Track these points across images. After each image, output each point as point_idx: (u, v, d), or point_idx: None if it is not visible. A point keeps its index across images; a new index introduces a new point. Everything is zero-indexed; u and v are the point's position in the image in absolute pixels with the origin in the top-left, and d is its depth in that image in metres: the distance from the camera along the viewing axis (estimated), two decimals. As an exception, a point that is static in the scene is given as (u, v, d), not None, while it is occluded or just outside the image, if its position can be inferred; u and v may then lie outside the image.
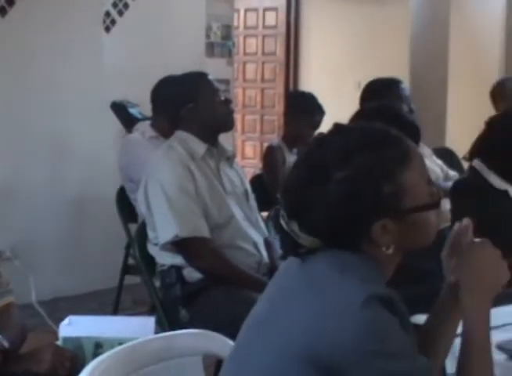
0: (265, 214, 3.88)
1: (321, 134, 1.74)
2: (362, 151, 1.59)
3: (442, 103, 7.41)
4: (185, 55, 6.19)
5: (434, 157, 4.97)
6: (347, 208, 1.57)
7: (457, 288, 1.69)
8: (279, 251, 3.39)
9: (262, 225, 3.60)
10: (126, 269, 4.76)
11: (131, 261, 4.64)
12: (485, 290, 1.67)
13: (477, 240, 1.71)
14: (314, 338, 1.51)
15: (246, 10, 10.14)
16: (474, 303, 1.66)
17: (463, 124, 7.67)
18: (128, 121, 5.50)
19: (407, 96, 4.17)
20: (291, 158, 5.12)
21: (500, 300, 2.46)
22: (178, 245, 3.26)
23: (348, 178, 1.57)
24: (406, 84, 4.51)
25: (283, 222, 1.63)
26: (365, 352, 1.48)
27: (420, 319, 1.87)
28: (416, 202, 1.61)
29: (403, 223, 1.60)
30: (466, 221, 1.74)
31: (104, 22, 6.00)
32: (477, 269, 1.67)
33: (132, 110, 5.63)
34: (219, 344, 2.06)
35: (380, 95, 3.93)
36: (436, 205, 1.65)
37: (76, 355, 2.41)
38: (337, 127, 1.69)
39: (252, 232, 3.45)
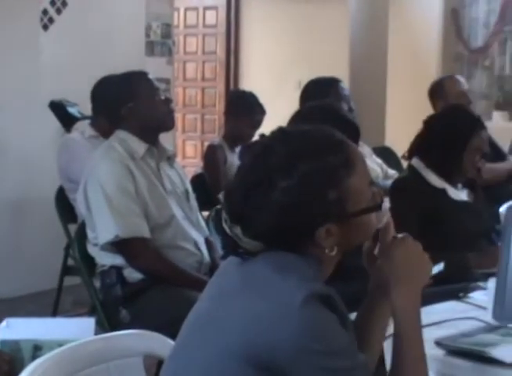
0: (205, 213, 3.87)
1: (264, 137, 1.72)
2: (307, 159, 1.59)
3: (381, 102, 7.47)
4: (124, 54, 6.15)
5: (374, 156, 5.02)
6: (291, 216, 1.58)
7: (384, 285, 1.71)
8: (220, 251, 3.39)
9: (203, 224, 3.60)
10: (66, 270, 4.72)
11: (70, 262, 4.59)
12: (412, 283, 1.69)
13: (398, 236, 1.73)
14: (253, 338, 1.52)
15: (186, 9, 10.11)
16: (403, 298, 1.68)
17: (402, 123, 7.75)
18: (67, 120, 5.45)
19: (347, 95, 4.20)
20: (232, 157, 5.12)
21: (438, 297, 2.50)
22: (118, 245, 3.24)
23: (293, 187, 1.57)
24: (346, 84, 4.53)
25: (225, 226, 1.62)
26: (306, 351, 1.49)
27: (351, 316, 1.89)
28: (359, 206, 1.63)
29: (346, 226, 1.61)
30: (386, 219, 1.75)
31: (42, 20, 5.92)
32: (401, 264, 1.69)
33: (71, 109, 5.57)
34: (160, 344, 2.05)
35: (320, 95, 3.95)
36: (379, 207, 1.67)
37: (14, 358, 2.38)
38: (281, 132, 1.68)
39: (193, 231, 3.44)
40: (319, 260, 1.62)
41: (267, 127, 1.85)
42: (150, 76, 3.51)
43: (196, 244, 3.42)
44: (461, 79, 5.34)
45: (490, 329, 2.11)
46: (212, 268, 3.34)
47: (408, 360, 1.65)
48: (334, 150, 1.62)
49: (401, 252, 1.71)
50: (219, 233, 1.68)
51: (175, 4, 7.56)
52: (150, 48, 6.86)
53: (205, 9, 10.06)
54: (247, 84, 9.33)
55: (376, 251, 1.76)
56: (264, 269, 1.59)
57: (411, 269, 1.70)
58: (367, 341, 1.80)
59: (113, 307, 3.24)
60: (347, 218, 1.61)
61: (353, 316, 1.93)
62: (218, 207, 3.78)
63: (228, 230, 1.62)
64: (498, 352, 1.89)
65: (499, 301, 2.17)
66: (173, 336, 1.82)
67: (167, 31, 6.97)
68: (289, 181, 1.57)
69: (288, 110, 3.04)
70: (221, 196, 1.67)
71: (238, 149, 5.18)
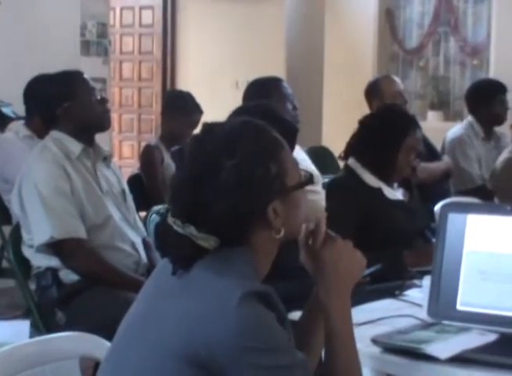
0: (143, 214, 3.85)
1: (190, 138, 1.73)
2: (246, 136, 1.64)
3: (318, 102, 7.52)
4: (59, 53, 6.08)
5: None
6: (242, 194, 1.59)
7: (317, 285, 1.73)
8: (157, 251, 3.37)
9: (140, 225, 3.58)
10: (0, 273, 4.64)
11: (5, 264, 4.52)
12: (343, 283, 1.71)
13: (329, 236, 1.74)
14: (191, 338, 1.51)
15: (122, 8, 10.04)
16: (334, 298, 1.70)
17: (338, 123, 7.81)
18: (1, 120, 5.36)
19: (290, 94, 4.21)
20: (169, 157, 5.10)
21: (374, 295, 2.53)
22: (54, 247, 3.21)
23: (240, 163, 1.60)
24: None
25: (178, 229, 1.60)
26: (244, 349, 1.49)
27: (297, 315, 1.90)
28: (295, 180, 1.68)
29: (287, 203, 1.65)
30: (316, 220, 1.76)
31: (-26, 19, 5.83)
32: (332, 264, 1.71)
33: (5, 109, 5.49)
34: (96, 346, 2.03)
35: (262, 95, 3.94)
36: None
37: None
38: (210, 125, 1.71)
39: (130, 232, 3.42)
40: (259, 253, 1.64)
41: (204, 127, 1.84)
42: (86, 76, 3.48)
43: (133, 245, 3.40)
44: (396, 79, 5.39)
45: (425, 326, 2.14)
46: (149, 269, 3.33)
47: (340, 359, 1.67)
48: (266, 129, 1.69)
49: (329, 252, 1.72)
50: (164, 242, 1.64)
51: (111, 3, 7.50)
52: (86, 47, 6.79)
53: (141, 8, 10.00)
54: (184, 84, 9.30)
55: (303, 255, 1.76)
56: (202, 270, 1.59)
57: (340, 268, 1.71)
58: (309, 342, 1.81)
59: (49, 309, 3.21)
60: (288, 192, 1.65)
61: (293, 315, 1.95)
62: (156, 208, 3.77)
63: (181, 231, 1.60)
64: (433, 349, 1.91)
65: (434, 299, 2.20)
66: (109, 338, 1.80)
67: (103, 31, 6.91)
68: (234, 159, 1.60)
69: (225, 110, 3.03)
70: (167, 201, 1.66)
71: (170, 152, 5.16)
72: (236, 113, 2.84)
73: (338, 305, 1.70)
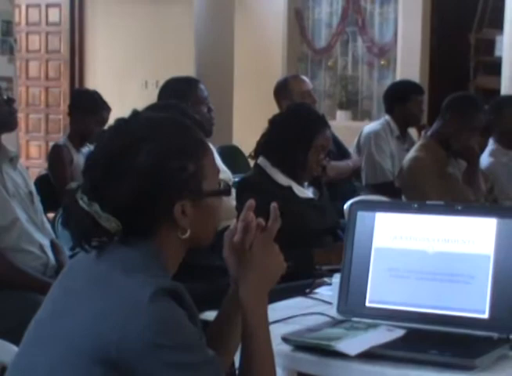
0: (51, 215, 3.79)
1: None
2: (172, 129, 1.65)
3: (228, 101, 7.52)
4: (-37, 52, 5.94)
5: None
6: (153, 181, 1.59)
7: (238, 285, 1.72)
8: (66, 253, 3.33)
9: (48, 227, 3.52)
10: None
11: None
12: (264, 283, 1.72)
13: (257, 237, 1.74)
14: (101, 336, 1.50)
15: (27, 6, 9.88)
16: (254, 298, 1.70)
17: (249, 122, 7.82)
18: None
19: (206, 97, 4.20)
20: (78, 157, 5.04)
21: (284, 294, 2.54)
22: (-41, 250, 3.14)
23: (158, 152, 1.60)
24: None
25: (83, 205, 1.60)
26: (154, 346, 1.49)
27: (211, 315, 1.89)
28: (213, 187, 1.68)
29: (199, 207, 1.64)
30: (243, 219, 1.75)
31: None
32: (257, 266, 1.71)
33: None
34: (3, 350, 1.99)
35: (178, 96, 3.91)
36: (229, 192, 1.73)
37: None
38: (133, 110, 1.71)
39: (38, 234, 3.37)
40: (167, 249, 1.63)
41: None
42: (-10, 74, 3.41)
43: (41, 247, 3.35)
44: (305, 79, 5.44)
45: (335, 323, 2.16)
46: (58, 271, 3.28)
47: (257, 358, 1.67)
48: (194, 128, 1.70)
49: (258, 251, 1.72)
50: (73, 221, 1.62)
51: (16, 0, 7.36)
52: (-10, 45, 6.65)
53: (48, 6, 9.85)
54: (93, 83, 9.20)
55: (227, 251, 1.75)
56: (111, 268, 1.59)
57: (265, 268, 1.71)
58: (225, 341, 1.80)
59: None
60: (202, 196, 1.65)
61: (206, 315, 1.94)
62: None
63: (86, 207, 1.59)
64: (343, 346, 1.93)
65: (343, 296, 2.22)
66: (17, 341, 1.77)
67: (8, 29, 6.77)
68: (153, 146, 1.60)
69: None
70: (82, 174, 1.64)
71: (84, 149, 5.11)
72: (150, 109, 2.81)
73: (258, 304, 1.70)
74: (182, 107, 2.99)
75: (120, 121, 1.68)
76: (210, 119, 4.08)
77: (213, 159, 1.71)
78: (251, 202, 1.75)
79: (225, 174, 3.99)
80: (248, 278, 1.70)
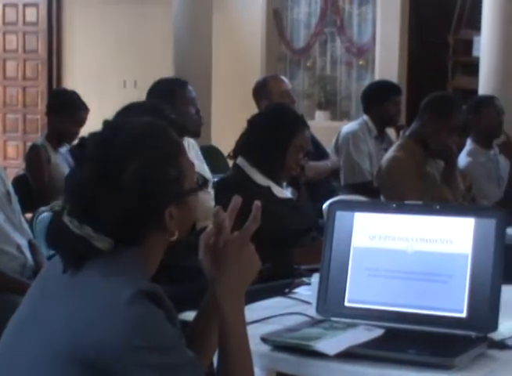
0: (29, 215, 3.77)
1: (93, 134, 1.69)
2: (149, 139, 1.64)
3: (207, 101, 7.51)
4: None
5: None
6: (142, 197, 1.59)
7: (214, 286, 1.71)
8: (44, 254, 3.31)
9: (26, 227, 3.51)
10: None
11: None
12: (240, 284, 1.71)
13: (231, 237, 1.73)
14: (80, 338, 1.50)
15: (4, 5, 9.84)
16: (231, 298, 1.69)
17: (227, 122, 7.82)
18: None
19: (194, 98, 4.20)
20: (56, 157, 5.02)
21: (263, 294, 2.54)
22: None
23: (142, 167, 1.60)
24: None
25: (74, 229, 1.59)
26: (133, 348, 1.48)
27: (190, 316, 1.89)
28: (192, 185, 1.69)
29: (182, 207, 1.65)
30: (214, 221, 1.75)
31: None
32: (233, 266, 1.70)
33: None
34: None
35: (167, 97, 3.90)
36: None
37: None
38: (112, 123, 1.70)
39: (15, 234, 3.35)
40: (149, 254, 1.64)
41: (92, 126, 1.82)
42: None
43: (18, 247, 3.33)
44: (284, 79, 5.45)
45: (314, 323, 2.16)
46: (36, 271, 3.26)
47: (234, 358, 1.67)
48: (167, 131, 1.70)
49: (232, 252, 1.71)
50: (60, 249, 1.61)
51: (-7, 0, 7.32)
52: (-33, 45, 6.61)
53: (25, 5, 9.80)
54: (71, 83, 9.16)
55: (202, 253, 1.75)
56: (90, 270, 1.58)
57: (240, 269, 1.71)
58: (203, 342, 1.80)
59: None
60: (184, 196, 1.66)
61: (185, 315, 1.94)
62: (43, 208, 3.69)
63: (78, 231, 1.58)
64: (322, 345, 1.93)
65: (322, 296, 2.22)
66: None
67: (-15, 28, 6.74)
68: (137, 162, 1.60)
69: (114, 110, 3.00)
70: (66, 200, 1.62)
71: (62, 149, 5.10)
72: (124, 112, 2.80)
73: (234, 305, 1.69)
74: (157, 107, 2.98)
75: (100, 137, 1.66)
76: (199, 120, 4.08)
77: (187, 155, 1.72)
78: (238, 198, 1.74)
79: (201, 165, 3.97)
80: (223, 279, 1.70)
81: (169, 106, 3.80)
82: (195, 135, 4.00)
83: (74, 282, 1.58)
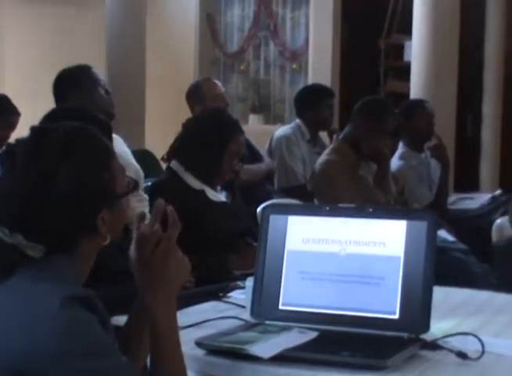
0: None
1: (21, 141, 1.67)
2: (79, 145, 1.63)
3: (140, 105, 7.48)
4: None
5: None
6: (74, 203, 1.58)
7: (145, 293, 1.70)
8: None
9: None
10: None
11: None
12: (170, 288, 1.70)
13: (160, 241, 1.72)
14: (9, 347, 1.47)
15: None
16: (161, 303, 1.68)
17: (161, 126, 7.79)
18: None
19: (101, 79, 4.13)
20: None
21: (198, 298, 2.53)
22: None
23: (75, 172, 1.59)
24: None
25: (5, 238, 1.57)
26: (65, 354, 1.47)
27: (121, 320, 1.87)
28: (123, 188, 1.69)
29: (114, 211, 1.65)
30: (144, 223, 1.74)
31: None
32: (160, 270, 1.69)
33: None
34: None
35: (74, 83, 3.90)
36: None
37: None
38: (40, 129, 1.68)
39: None
40: (82, 258, 1.63)
41: (22, 128, 1.80)
42: None
43: None
44: (217, 82, 5.44)
45: (248, 327, 2.16)
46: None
47: (167, 363, 1.66)
48: (98, 134, 1.69)
49: (159, 258, 1.69)
50: None
51: None
52: None
53: (-46, 7, 9.63)
54: (1, 86, 9.02)
55: (132, 253, 1.73)
56: (20, 278, 1.57)
57: (168, 274, 1.69)
58: (135, 347, 1.79)
59: None
60: (116, 200, 1.66)
61: (116, 320, 1.92)
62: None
63: (9, 240, 1.57)
64: (256, 349, 1.93)
65: (257, 300, 2.23)
66: None
67: None
68: (68, 169, 1.59)
69: (44, 112, 2.96)
70: None
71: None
72: (51, 116, 2.76)
73: (165, 310, 1.68)
74: (83, 110, 2.95)
75: (28, 145, 1.64)
76: (110, 101, 4.02)
77: (117, 158, 1.71)
78: (160, 202, 1.72)
79: (132, 166, 3.93)
80: (152, 285, 1.68)
81: (78, 92, 3.82)
82: (109, 116, 3.91)
83: (4, 289, 1.56)
